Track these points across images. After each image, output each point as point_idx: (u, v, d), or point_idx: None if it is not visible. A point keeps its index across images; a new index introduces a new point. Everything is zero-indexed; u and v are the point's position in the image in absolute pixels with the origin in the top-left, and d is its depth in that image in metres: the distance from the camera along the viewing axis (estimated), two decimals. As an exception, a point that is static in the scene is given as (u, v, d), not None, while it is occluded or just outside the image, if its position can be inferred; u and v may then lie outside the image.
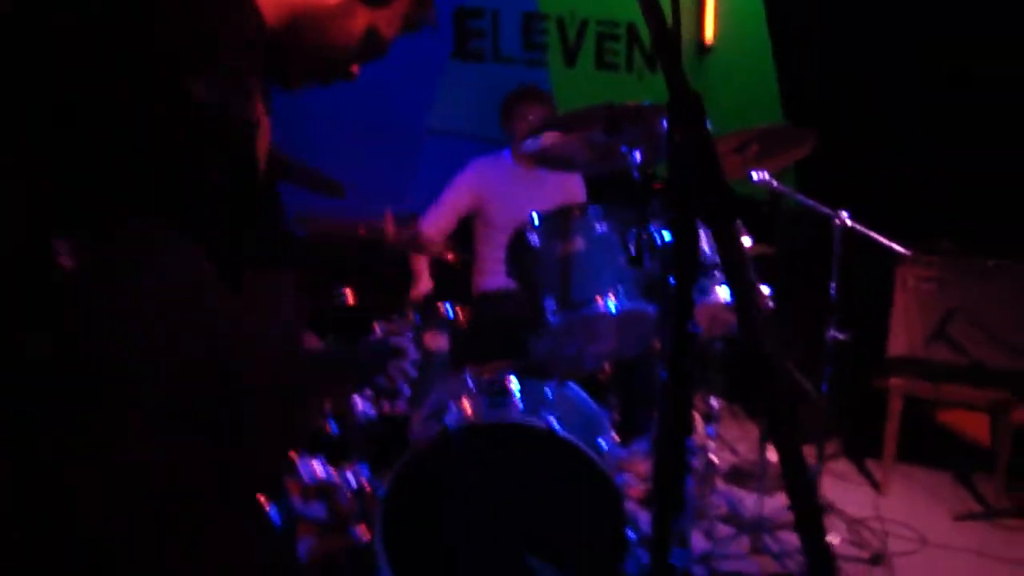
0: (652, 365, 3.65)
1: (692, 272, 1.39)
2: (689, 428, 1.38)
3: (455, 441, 2.66)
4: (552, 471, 2.70)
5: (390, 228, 3.25)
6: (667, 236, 2.48)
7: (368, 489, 3.02)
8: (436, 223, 4.06)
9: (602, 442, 2.98)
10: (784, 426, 1.13)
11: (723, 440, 4.49)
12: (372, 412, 3.09)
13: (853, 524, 3.70)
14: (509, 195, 4.03)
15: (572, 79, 4.96)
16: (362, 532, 3.00)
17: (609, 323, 2.86)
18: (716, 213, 1.14)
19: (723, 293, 2.86)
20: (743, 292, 1.20)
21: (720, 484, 4.03)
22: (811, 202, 3.28)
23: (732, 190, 1.35)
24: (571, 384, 3.17)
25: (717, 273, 2.82)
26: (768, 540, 3.46)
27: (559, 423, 2.65)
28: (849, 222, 3.23)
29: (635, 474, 4.00)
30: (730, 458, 4.38)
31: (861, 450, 4.52)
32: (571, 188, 4.16)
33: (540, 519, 2.72)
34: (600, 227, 2.79)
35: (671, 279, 1.99)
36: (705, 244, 2.76)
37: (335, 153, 3.74)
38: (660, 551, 1.33)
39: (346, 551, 3.36)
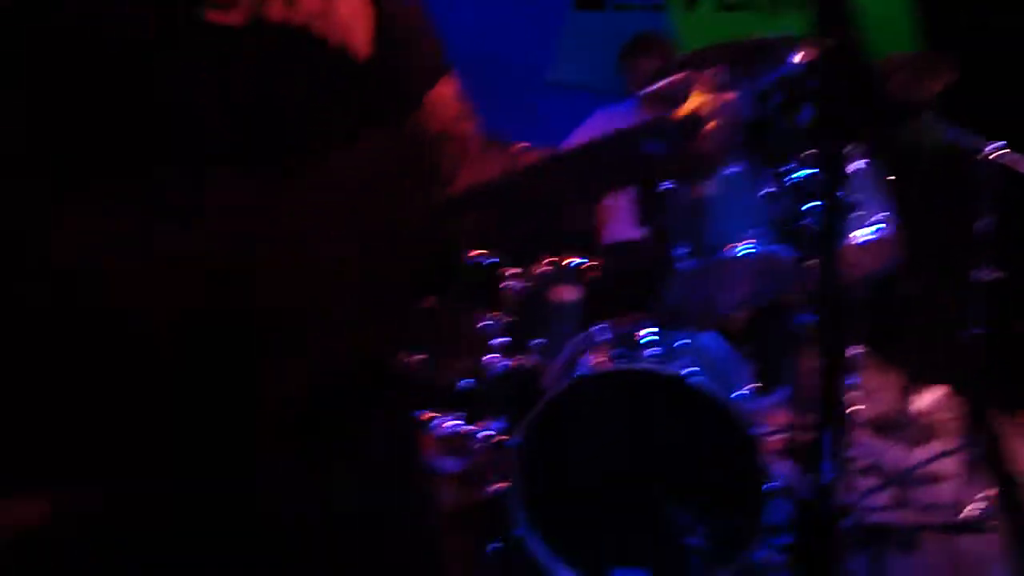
0: (790, 312, 3.55)
1: (840, 207, 1.32)
2: (842, 377, 1.31)
3: (588, 391, 2.64)
4: (687, 421, 2.65)
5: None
6: (806, 173, 2.39)
7: (502, 441, 3.04)
8: None
9: (739, 392, 2.92)
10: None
11: (865, 389, 4.33)
12: (505, 366, 3.10)
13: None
14: (635, 143, 3.93)
15: (694, 22, 4.81)
16: (497, 484, 3.01)
17: (743, 269, 2.78)
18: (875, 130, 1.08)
19: (863, 234, 2.74)
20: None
21: (862, 435, 3.90)
22: (959, 133, 3.10)
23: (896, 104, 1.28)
24: (707, 333, 3.10)
25: (858, 213, 2.70)
26: (914, 493, 3.33)
27: (694, 372, 2.59)
28: (999, 154, 3.04)
29: (772, 425, 3.91)
30: (872, 408, 4.23)
31: (1014, 401, 4.30)
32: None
33: (676, 470, 2.68)
34: (732, 169, 2.70)
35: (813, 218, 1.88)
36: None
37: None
38: (810, 505, 1.28)
39: (482, 504, 3.39)
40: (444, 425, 3.22)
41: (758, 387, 3.36)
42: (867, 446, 3.81)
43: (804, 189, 2.54)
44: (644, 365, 2.70)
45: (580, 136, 4.04)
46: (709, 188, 2.71)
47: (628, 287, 3.11)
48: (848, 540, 2.69)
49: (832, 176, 1.28)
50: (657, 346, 2.82)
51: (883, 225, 2.76)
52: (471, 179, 1.39)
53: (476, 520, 3.22)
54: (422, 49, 1.43)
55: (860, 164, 2.76)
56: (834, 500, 1.25)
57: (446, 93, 1.48)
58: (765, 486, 2.61)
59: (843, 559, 2.61)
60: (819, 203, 1.29)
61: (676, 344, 2.86)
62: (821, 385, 1.27)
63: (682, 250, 2.68)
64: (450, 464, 3.77)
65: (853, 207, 2.65)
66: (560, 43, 4.75)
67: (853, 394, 3.60)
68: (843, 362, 1.30)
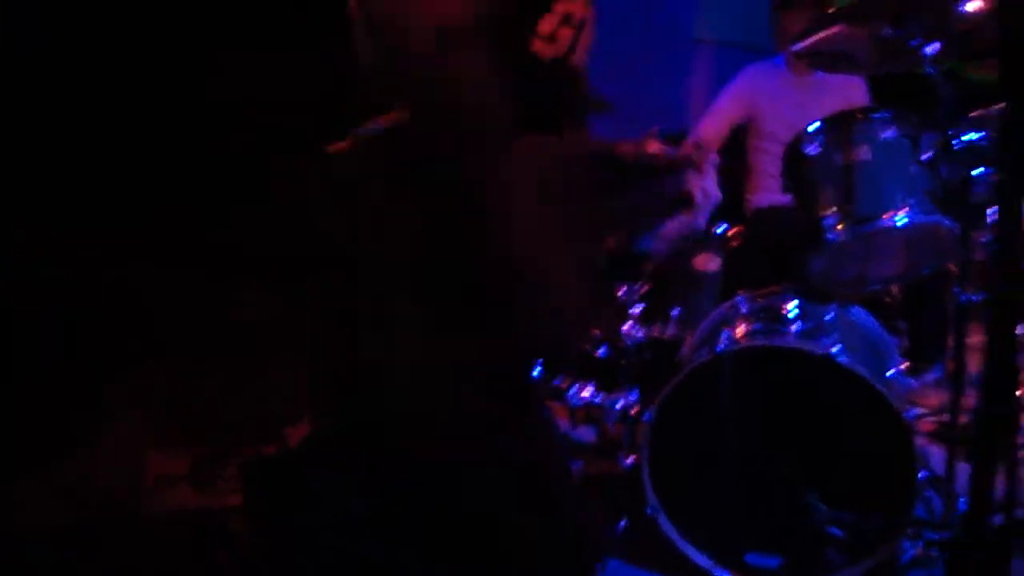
0: (947, 287, 3.31)
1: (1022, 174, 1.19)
2: (1013, 357, 1.20)
3: (727, 367, 2.51)
4: (833, 402, 2.49)
5: (654, 148, 3.11)
6: (972, 137, 2.20)
7: (636, 414, 2.94)
8: (707, 133, 3.85)
9: (890, 372, 2.73)
10: None
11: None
12: (642, 336, 3.00)
13: None
14: (784, 104, 3.75)
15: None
16: (630, 457, 2.93)
17: (898, 239, 2.59)
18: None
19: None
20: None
21: (1028, 421, 3.63)
22: None
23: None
24: (855, 308, 2.91)
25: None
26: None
27: (841, 350, 2.43)
28: None
29: (927, 407, 3.69)
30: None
31: None
32: (853, 94, 3.82)
33: (818, 454, 2.53)
34: (888, 133, 2.51)
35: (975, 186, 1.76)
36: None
37: (597, 67, 3.62)
38: (969, 498, 1.15)
39: (613, 476, 3.32)
40: (577, 393, 3.15)
41: (911, 366, 3.16)
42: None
43: (971, 154, 2.34)
44: (790, 341, 2.55)
45: (731, 93, 3.87)
46: (864, 153, 2.53)
47: (773, 257, 2.95)
48: (1013, 539, 2.48)
49: (1010, 138, 1.14)
50: (803, 320, 2.66)
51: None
52: None
53: (607, 493, 3.15)
54: None
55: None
56: (997, 493, 1.14)
57: None
58: (917, 475, 2.42)
59: (1007, 562, 2.42)
60: (989, 169, 1.17)
61: (823, 319, 2.69)
62: (987, 364, 1.14)
63: (832, 219, 2.51)
64: (583, 434, 3.71)
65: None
66: (705, 0, 4.57)
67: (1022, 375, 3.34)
68: (1014, 340, 1.18)
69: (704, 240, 3.16)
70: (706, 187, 2.59)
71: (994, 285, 1.12)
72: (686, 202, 2.58)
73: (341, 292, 1.28)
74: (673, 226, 2.71)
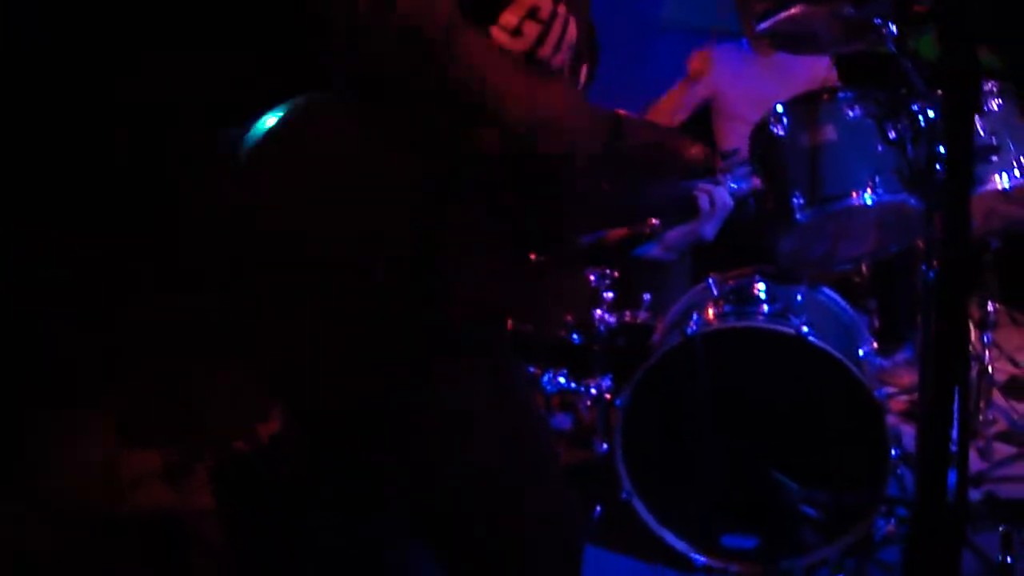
0: (916, 266, 3.33)
1: (969, 154, 1.19)
2: (967, 335, 1.20)
3: (698, 350, 2.51)
4: (804, 382, 2.50)
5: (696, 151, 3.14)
6: (933, 116, 2.21)
7: (610, 399, 2.94)
8: (663, 109, 3.82)
9: (860, 351, 2.74)
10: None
11: (1000, 349, 4.06)
12: (614, 321, 2.99)
13: None
14: (749, 85, 3.74)
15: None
16: (604, 443, 2.93)
17: (866, 219, 2.60)
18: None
19: (1002, 181, 2.52)
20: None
21: (998, 398, 3.65)
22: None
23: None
24: (824, 288, 2.92)
25: (995, 158, 2.49)
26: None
27: (811, 329, 2.44)
28: None
29: (897, 386, 3.71)
30: (1008, 369, 3.97)
31: None
32: (818, 75, 3.82)
33: (789, 434, 2.53)
34: (853, 112, 2.52)
35: (941, 165, 1.76)
36: (979, 123, 2.43)
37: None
38: (933, 473, 1.15)
39: (589, 463, 3.31)
40: (553, 381, 3.14)
41: (881, 346, 3.18)
42: (1002, 410, 3.56)
43: (934, 132, 2.35)
44: (760, 322, 2.55)
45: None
46: (830, 132, 2.53)
47: (742, 238, 2.95)
48: (978, 514, 2.50)
49: (963, 117, 1.15)
50: (773, 302, 2.66)
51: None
52: None
53: (582, 481, 3.15)
54: None
55: (998, 104, 2.53)
56: (964, 469, 1.14)
57: None
58: (889, 453, 2.44)
59: (972, 535, 2.44)
60: (948, 145, 1.18)
61: (793, 300, 2.70)
62: (945, 344, 1.14)
63: (800, 199, 2.51)
64: (559, 421, 3.71)
65: (991, 151, 2.44)
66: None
67: (987, 354, 3.36)
68: (970, 319, 1.18)
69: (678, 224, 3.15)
70: (715, 195, 2.56)
71: (943, 263, 1.12)
72: (691, 210, 2.56)
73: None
74: (677, 234, 2.69)
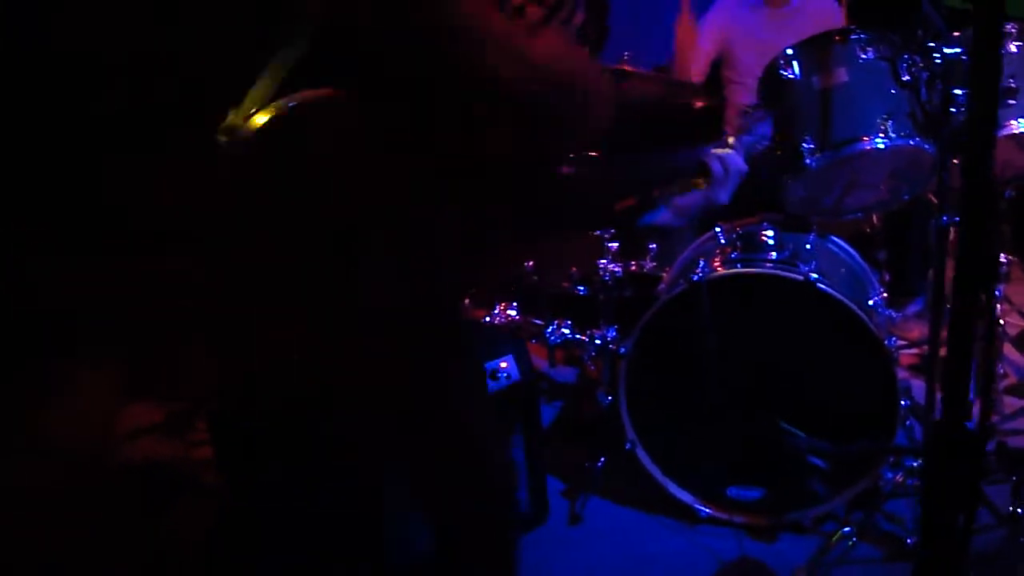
0: (928, 214, 3.27)
1: (995, 94, 1.14)
2: (988, 286, 1.15)
3: (704, 296, 2.46)
4: (811, 329, 2.45)
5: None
6: (952, 55, 2.13)
7: (614, 350, 2.90)
8: (686, 71, 3.77)
9: (870, 300, 2.69)
10: None
11: (1011, 302, 4.01)
12: (619, 271, 2.95)
13: None
14: (759, 36, 3.66)
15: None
16: (609, 395, 2.89)
17: (878, 164, 2.53)
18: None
19: (1019, 125, 2.45)
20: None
21: (1009, 351, 3.60)
22: None
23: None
24: (834, 237, 2.86)
25: (1012, 101, 2.41)
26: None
27: (820, 276, 2.39)
28: None
29: (907, 339, 3.66)
30: (1019, 323, 3.91)
31: None
32: (829, 22, 3.74)
33: (797, 383, 2.49)
34: (866, 54, 2.44)
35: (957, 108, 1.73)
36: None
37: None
38: (946, 426, 1.11)
39: (594, 415, 3.29)
40: (557, 332, 3.11)
41: (891, 298, 3.12)
42: (1012, 363, 3.52)
43: (950, 74, 2.28)
44: (767, 268, 2.50)
45: (703, 29, 3.78)
46: (841, 75, 2.46)
47: (751, 186, 2.89)
48: (989, 466, 2.46)
49: (985, 58, 1.10)
50: (781, 249, 2.60)
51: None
52: None
53: (588, 432, 3.12)
54: None
55: (1016, 46, 2.45)
56: (974, 421, 1.09)
57: None
58: (899, 403, 2.39)
59: (982, 487, 2.39)
60: (967, 90, 1.13)
61: (802, 246, 2.64)
62: (960, 296, 1.09)
63: (809, 144, 2.44)
64: (563, 374, 3.68)
65: (1009, 93, 2.37)
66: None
67: (999, 307, 3.30)
68: (988, 271, 1.14)
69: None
70: (727, 160, 2.49)
71: (963, 212, 1.07)
72: (702, 174, 2.50)
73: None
74: (690, 200, 2.64)
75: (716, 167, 2.41)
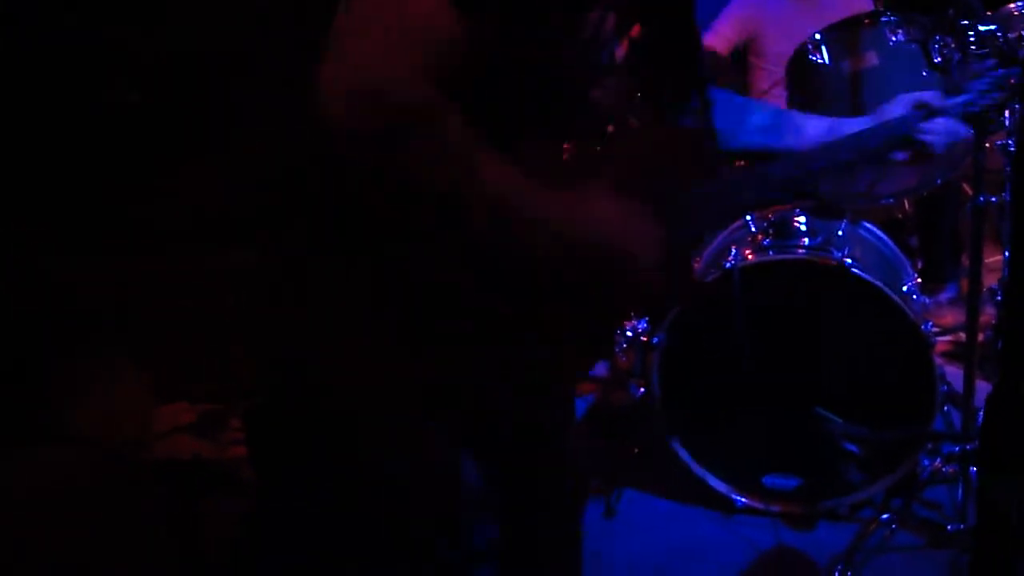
0: (961, 200, 3.24)
1: None
2: None
3: (736, 283, 2.44)
4: (846, 315, 2.43)
5: None
6: (989, 32, 2.06)
7: (646, 341, 2.88)
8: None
9: (904, 286, 2.66)
10: None
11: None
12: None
13: None
14: (787, 21, 3.63)
15: None
16: (641, 387, 2.88)
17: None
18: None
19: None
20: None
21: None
22: None
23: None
24: (866, 223, 2.84)
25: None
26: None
27: (854, 261, 2.36)
28: None
29: (941, 326, 3.63)
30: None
31: None
32: (859, 6, 3.70)
33: (831, 370, 2.47)
34: (896, 37, 2.42)
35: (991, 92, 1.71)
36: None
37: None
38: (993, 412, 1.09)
39: (627, 406, 3.27)
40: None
41: (924, 285, 3.09)
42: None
43: (985, 55, 2.25)
44: (800, 255, 2.48)
45: (732, 16, 3.76)
46: (871, 59, 2.44)
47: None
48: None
49: None
50: (814, 235, 2.58)
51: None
52: None
53: (620, 425, 3.11)
54: None
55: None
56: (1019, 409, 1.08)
57: None
58: (937, 388, 2.36)
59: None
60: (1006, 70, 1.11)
61: (835, 233, 2.62)
62: (1008, 281, 1.07)
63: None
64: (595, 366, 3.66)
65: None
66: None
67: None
68: None
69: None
70: (943, 129, 2.00)
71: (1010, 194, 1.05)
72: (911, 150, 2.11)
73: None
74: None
75: (937, 146, 1.91)
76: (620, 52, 1.33)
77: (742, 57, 3.83)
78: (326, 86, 1.01)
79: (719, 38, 3.76)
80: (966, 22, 2.26)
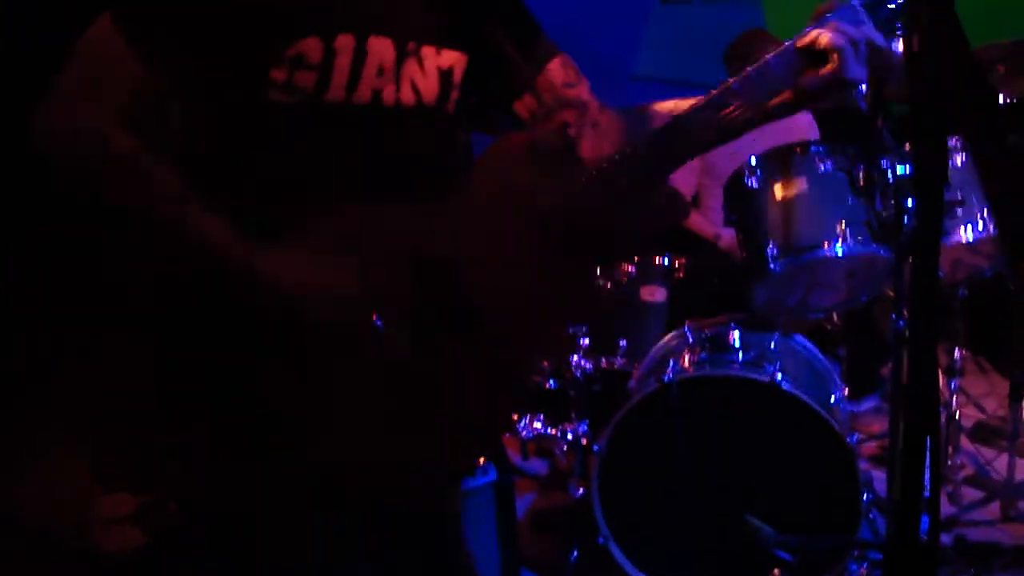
0: (885, 314, 3.40)
1: (939, 207, 1.23)
2: (936, 383, 1.23)
3: (674, 396, 2.55)
4: (777, 428, 2.54)
5: None
6: (901, 170, 2.25)
7: (586, 444, 2.97)
8: None
9: (832, 397, 2.80)
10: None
11: (967, 395, 4.14)
12: (590, 367, 3.03)
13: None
14: (738, 142, 3.80)
15: (787, 14, 4.65)
16: (580, 488, 2.96)
17: (837, 269, 2.67)
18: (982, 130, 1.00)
19: (967, 233, 2.60)
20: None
21: (965, 443, 3.72)
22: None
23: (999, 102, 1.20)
24: (797, 336, 2.98)
25: (960, 211, 2.57)
26: (1023, 505, 3.16)
27: (784, 376, 2.49)
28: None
29: (866, 433, 3.77)
30: (976, 415, 4.04)
31: None
32: (799, 129, 3.90)
33: (763, 479, 2.58)
34: (824, 166, 2.59)
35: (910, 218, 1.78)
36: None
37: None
38: (906, 519, 1.19)
39: (565, 507, 3.34)
40: (530, 426, 3.17)
41: (851, 393, 3.24)
42: (969, 455, 3.63)
43: (903, 186, 2.42)
44: (735, 371, 2.61)
45: None
46: (802, 185, 2.60)
47: (718, 287, 3.01)
48: (949, 558, 2.55)
49: (932, 172, 1.20)
50: (747, 350, 2.72)
51: (987, 223, 2.62)
52: (594, 143, 1.53)
53: (560, 525, 3.17)
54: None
55: (961, 159, 2.62)
56: (933, 513, 1.17)
57: (553, 66, 1.57)
58: (861, 497, 2.48)
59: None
60: (917, 200, 1.21)
61: (767, 347, 2.76)
62: (914, 390, 1.19)
63: (773, 249, 2.58)
64: (535, 466, 3.73)
65: (956, 204, 2.53)
66: (647, 38, 4.65)
67: (955, 400, 3.43)
68: (938, 366, 1.21)
69: (650, 272, 3.22)
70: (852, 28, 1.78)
71: (913, 311, 1.17)
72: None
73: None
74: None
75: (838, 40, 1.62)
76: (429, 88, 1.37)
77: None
78: (35, 123, 1.16)
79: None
80: (886, 161, 2.45)
